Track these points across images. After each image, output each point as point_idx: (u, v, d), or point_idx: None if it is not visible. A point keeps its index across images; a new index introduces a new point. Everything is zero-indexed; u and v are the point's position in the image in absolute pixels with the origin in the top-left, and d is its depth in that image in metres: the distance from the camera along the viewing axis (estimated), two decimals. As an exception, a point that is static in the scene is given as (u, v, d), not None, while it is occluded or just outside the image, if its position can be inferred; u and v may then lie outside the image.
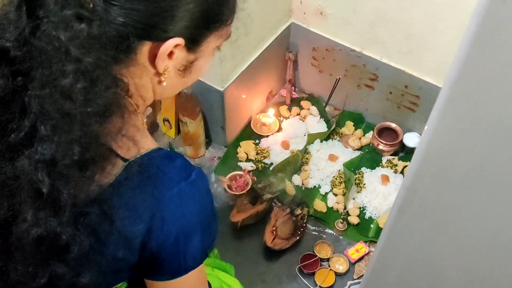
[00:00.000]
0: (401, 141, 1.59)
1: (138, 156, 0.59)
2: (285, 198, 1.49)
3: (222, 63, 1.35)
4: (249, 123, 1.70)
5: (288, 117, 1.73)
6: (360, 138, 1.66)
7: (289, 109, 1.75)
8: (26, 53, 0.53)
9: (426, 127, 0.57)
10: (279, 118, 1.72)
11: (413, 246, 0.72)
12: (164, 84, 0.64)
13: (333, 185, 1.53)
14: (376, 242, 1.40)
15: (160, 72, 0.62)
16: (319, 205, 1.48)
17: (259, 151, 1.62)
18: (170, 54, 0.61)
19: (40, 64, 0.53)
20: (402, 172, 1.56)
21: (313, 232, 1.45)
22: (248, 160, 1.60)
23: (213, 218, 0.68)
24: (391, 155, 1.61)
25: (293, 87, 1.79)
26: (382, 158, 1.60)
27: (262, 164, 1.58)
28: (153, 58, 0.60)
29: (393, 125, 1.60)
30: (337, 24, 1.52)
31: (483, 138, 0.52)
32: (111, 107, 0.56)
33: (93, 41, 0.53)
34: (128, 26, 0.56)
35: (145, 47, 0.59)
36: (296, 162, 1.56)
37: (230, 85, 1.46)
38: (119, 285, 0.71)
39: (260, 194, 1.45)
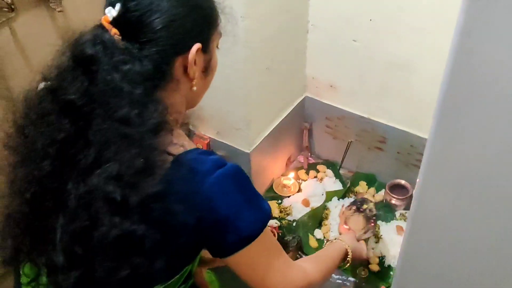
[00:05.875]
0: (411, 195, 1.74)
1: (182, 152, 0.73)
2: (309, 250, 1.62)
3: (248, 124, 1.56)
4: (271, 185, 1.87)
5: (306, 180, 1.90)
6: (373, 196, 1.81)
7: (307, 173, 1.93)
8: (87, 101, 0.68)
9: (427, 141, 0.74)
10: (298, 181, 1.89)
11: (429, 257, 0.85)
12: (195, 88, 0.80)
13: (353, 237, 1.66)
14: (396, 287, 1.51)
15: (192, 78, 0.78)
16: (341, 256, 1.60)
17: (282, 209, 1.77)
18: (194, 61, 0.77)
19: (100, 105, 0.68)
20: (415, 225, 1.69)
21: (337, 281, 1.56)
22: (272, 218, 1.75)
23: (256, 193, 0.78)
24: (403, 209, 1.75)
25: (309, 153, 1.99)
26: (396, 212, 1.75)
27: (286, 220, 1.73)
28: (184, 69, 0.77)
29: (403, 181, 1.77)
30: (347, 95, 1.75)
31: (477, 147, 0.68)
32: (160, 124, 0.70)
33: (138, 76, 0.69)
34: (160, 52, 0.72)
35: (177, 63, 0.76)
36: (318, 216, 1.70)
37: (256, 148, 1.66)
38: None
39: (286, 245, 1.58)
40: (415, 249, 0.88)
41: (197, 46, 0.76)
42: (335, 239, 1.22)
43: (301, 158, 1.99)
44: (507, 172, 0.64)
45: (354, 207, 1.46)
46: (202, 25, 0.78)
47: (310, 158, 1.99)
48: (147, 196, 0.66)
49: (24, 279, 0.81)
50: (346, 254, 1.14)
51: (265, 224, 0.78)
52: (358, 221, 1.43)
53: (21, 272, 0.83)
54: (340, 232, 1.41)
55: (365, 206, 1.46)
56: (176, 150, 0.73)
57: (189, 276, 0.88)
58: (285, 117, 1.80)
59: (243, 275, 0.81)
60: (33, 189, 0.69)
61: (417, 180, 0.80)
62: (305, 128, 1.92)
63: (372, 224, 1.42)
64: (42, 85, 0.94)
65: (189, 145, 0.77)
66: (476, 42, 0.59)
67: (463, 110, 0.64)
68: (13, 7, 0.93)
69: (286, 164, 1.96)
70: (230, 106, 1.55)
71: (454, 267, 0.84)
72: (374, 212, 1.45)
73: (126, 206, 0.66)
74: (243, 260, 0.78)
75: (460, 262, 0.82)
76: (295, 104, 1.83)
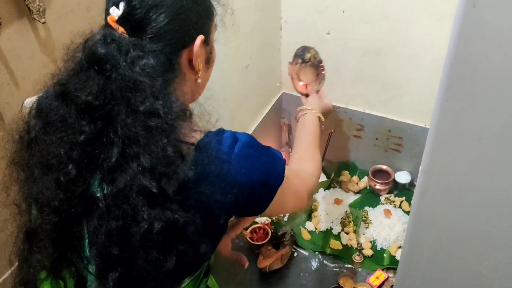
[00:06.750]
0: (394, 179, 1.80)
1: (199, 139, 0.73)
2: (303, 243, 1.65)
3: (232, 124, 1.57)
4: (257, 184, 1.88)
5: (290, 175, 1.93)
6: (357, 183, 1.86)
7: (290, 168, 1.95)
8: (104, 99, 0.68)
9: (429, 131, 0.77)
10: (282, 176, 1.92)
11: (440, 219, 0.89)
12: (199, 80, 0.81)
13: (343, 225, 1.70)
14: (392, 268, 1.55)
15: (197, 70, 0.79)
16: (334, 244, 1.64)
17: (272, 206, 1.78)
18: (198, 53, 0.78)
19: (120, 101, 0.67)
20: (400, 207, 1.75)
21: (334, 269, 1.59)
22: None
23: (268, 147, 0.82)
24: (387, 193, 1.81)
25: (290, 149, 2.02)
26: (380, 197, 1.80)
27: (276, 216, 1.75)
28: (189, 62, 0.78)
29: (384, 167, 1.82)
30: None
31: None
32: (183, 112, 0.71)
33: (155, 70, 0.70)
34: (168, 46, 0.73)
35: (183, 56, 0.76)
36: (307, 209, 1.73)
37: (241, 148, 1.67)
38: None
39: (281, 240, 1.60)
40: (418, 241, 0.93)
41: (201, 38, 0.77)
42: (301, 109, 1.34)
43: (283, 154, 2.01)
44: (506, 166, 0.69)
45: (299, 60, 1.46)
46: (204, 17, 0.79)
47: (290, 154, 2.02)
48: (183, 183, 0.67)
49: None
50: (320, 119, 1.30)
51: (285, 167, 0.83)
52: (307, 73, 1.45)
53: None
54: (298, 91, 1.48)
55: (308, 56, 1.45)
56: (196, 135, 0.73)
57: (209, 269, 0.88)
58: (265, 115, 1.82)
59: (276, 213, 0.96)
60: (60, 196, 0.68)
61: (419, 174, 0.84)
62: (284, 124, 1.95)
63: (323, 72, 1.45)
64: (27, 101, 0.92)
65: (201, 130, 0.77)
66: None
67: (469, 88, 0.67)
68: (0, 21, 0.90)
69: (268, 161, 1.98)
70: (213, 106, 1.55)
71: (455, 257, 0.89)
72: (319, 57, 1.46)
73: (164, 197, 0.66)
74: (276, 203, 0.81)
75: (462, 254, 0.88)
76: (273, 101, 1.86)
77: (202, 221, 0.70)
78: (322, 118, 1.32)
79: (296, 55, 1.47)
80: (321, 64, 1.45)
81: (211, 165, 0.70)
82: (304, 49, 1.46)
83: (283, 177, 0.81)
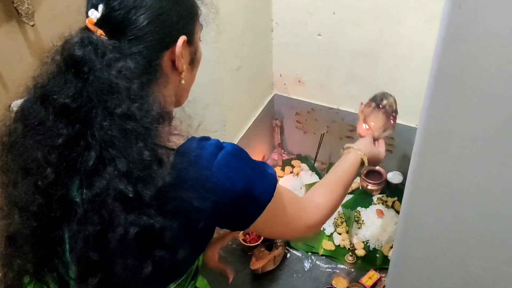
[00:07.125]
0: (386, 180, 1.81)
1: (181, 144, 0.72)
2: (296, 245, 1.65)
3: (224, 126, 1.57)
4: (250, 185, 1.88)
5: (283, 176, 1.93)
6: (350, 184, 1.86)
7: (283, 169, 1.96)
8: (82, 102, 0.67)
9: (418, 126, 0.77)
10: (275, 178, 1.92)
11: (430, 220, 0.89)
12: (183, 82, 0.79)
13: (336, 226, 1.70)
14: (384, 268, 1.56)
15: (181, 71, 0.78)
16: (327, 245, 1.64)
17: (264, 207, 1.78)
18: (181, 54, 0.77)
19: (97, 104, 0.66)
20: (392, 207, 1.76)
21: (327, 269, 1.59)
22: (255, 217, 1.76)
23: (258, 161, 0.80)
24: (379, 193, 1.81)
25: (282, 150, 2.02)
26: (373, 197, 1.81)
27: (269, 218, 1.75)
28: (172, 63, 0.77)
29: (376, 167, 1.83)
30: (315, 88, 1.79)
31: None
32: (162, 115, 0.69)
33: (132, 72, 0.68)
34: (149, 48, 0.72)
35: (165, 57, 0.75)
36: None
37: (233, 149, 1.67)
38: None
39: (273, 241, 1.60)
40: (409, 240, 0.93)
41: (183, 38, 0.76)
42: (348, 147, 1.23)
43: (275, 156, 2.02)
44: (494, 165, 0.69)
45: (373, 104, 1.38)
46: (186, 17, 0.77)
47: (283, 155, 2.03)
48: (160, 188, 0.66)
49: None
50: (362, 162, 1.17)
51: (275, 185, 0.80)
52: (377, 118, 1.35)
53: None
54: (359, 133, 1.36)
55: (384, 102, 1.36)
56: (177, 140, 0.72)
57: (197, 272, 0.88)
58: (257, 116, 1.82)
59: (266, 233, 0.89)
60: (39, 200, 0.67)
61: (408, 175, 0.84)
62: (276, 126, 1.95)
63: (392, 122, 1.35)
64: (15, 103, 0.91)
65: (183, 135, 0.75)
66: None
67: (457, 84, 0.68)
68: (-13, 23, 0.89)
69: (261, 163, 1.98)
70: (205, 109, 1.55)
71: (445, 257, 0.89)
72: (395, 107, 1.36)
73: (140, 202, 0.65)
74: (264, 222, 0.79)
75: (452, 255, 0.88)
76: (265, 102, 1.86)
77: (180, 226, 0.69)
78: (366, 162, 1.19)
79: (373, 99, 1.40)
80: (394, 114, 1.37)
81: (190, 170, 0.69)
82: (384, 95, 1.39)
83: (272, 194, 0.79)
